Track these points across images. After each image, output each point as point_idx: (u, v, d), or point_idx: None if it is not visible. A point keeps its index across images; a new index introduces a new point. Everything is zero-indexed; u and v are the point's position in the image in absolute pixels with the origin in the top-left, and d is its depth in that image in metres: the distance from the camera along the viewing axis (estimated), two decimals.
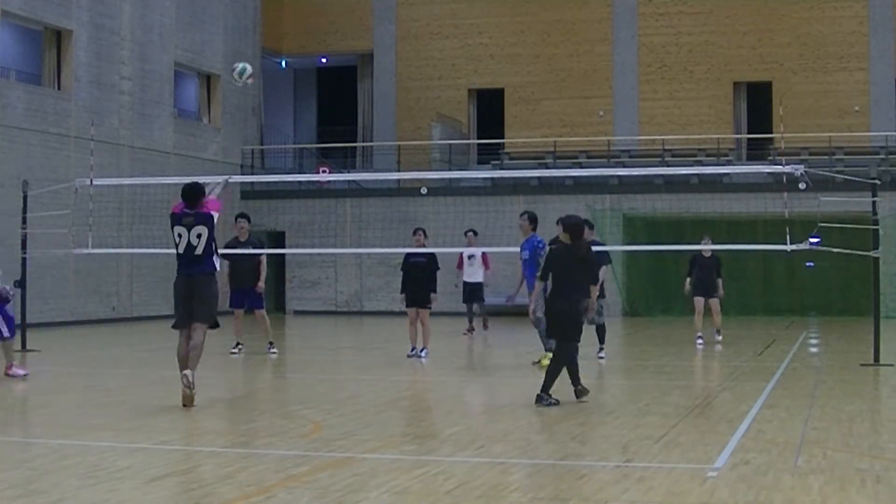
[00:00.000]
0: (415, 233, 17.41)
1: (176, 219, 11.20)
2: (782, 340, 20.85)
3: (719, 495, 7.02)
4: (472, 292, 22.17)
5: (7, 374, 13.81)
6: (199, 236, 11.04)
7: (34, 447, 9.15)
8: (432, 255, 17.02)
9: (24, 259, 18.69)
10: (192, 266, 11.13)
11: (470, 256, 22.14)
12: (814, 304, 30.18)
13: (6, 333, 13.80)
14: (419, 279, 16.73)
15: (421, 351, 16.75)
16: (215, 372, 15.27)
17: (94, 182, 18.20)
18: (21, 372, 13.96)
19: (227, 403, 12.00)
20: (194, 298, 11.10)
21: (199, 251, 11.05)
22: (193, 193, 11.18)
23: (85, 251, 18.55)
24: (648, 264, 28.93)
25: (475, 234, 22.77)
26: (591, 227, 16.99)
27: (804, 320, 27.91)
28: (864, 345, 17.37)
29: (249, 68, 14.49)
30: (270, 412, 11.35)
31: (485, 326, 22.59)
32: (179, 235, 11.10)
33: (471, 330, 21.95)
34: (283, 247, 29.59)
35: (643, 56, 33.48)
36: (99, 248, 19.58)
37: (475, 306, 22.47)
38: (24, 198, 18.73)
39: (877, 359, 15.40)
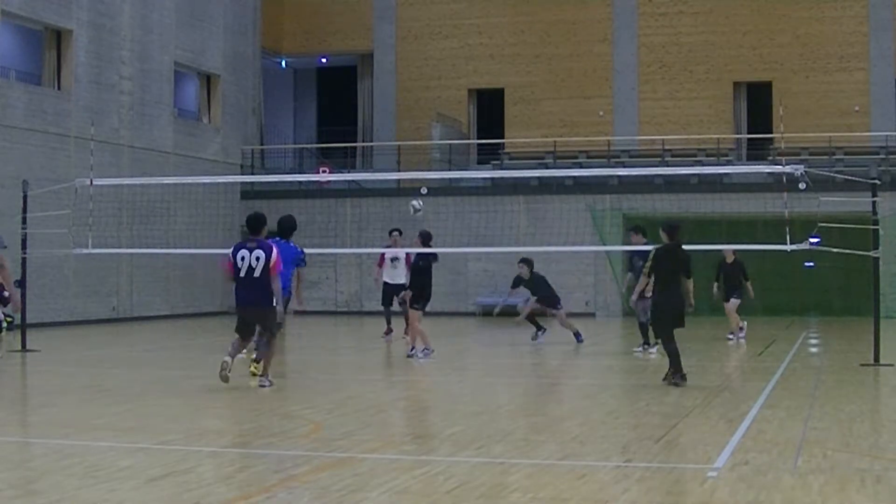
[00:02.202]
0: (390, 234, 17.43)
1: (239, 245, 12.52)
2: (782, 340, 20.85)
3: (719, 495, 7.01)
4: (394, 295, 20.31)
5: None
6: (258, 259, 12.22)
7: (34, 447, 9.15)
8: (429, 255, 17.03)
9: (24, 259, 18.68)
10: (250, 292, 12.30)
11: (393, 259, 20.42)
12: (814, 304, 30.16)
13: None
14: (415, 279, 16.81)
15: (421, 351, 16.73)
16: (215, 371, 15.26)
17: (94, 182, 18.21)
18: None
19: (227, 403, 12.00)
20: (254, 324, 12.62)
21: (257, 273, 12.21)
22: (256, 222, 12.52)
23: (85, 251, 18.55)
24: None
25: (400, 233, 20.72)
26: (644, 232, 17.54)
27: (804, 320, 27.89)
28: (864, 345, 17.36)
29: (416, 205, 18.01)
30: (270, 412, 11.34)
31: (406, 332, 19.84)
32: (242, 258, 12.29)
33: (389, 332, 20.82)
34: None
35: (643, 56, 33.46)
36: (99, 248, 19.57)
37: (392, 308, 20.83)
38: (24, 198, 18.72)
39: (877, 359, 15.39)
